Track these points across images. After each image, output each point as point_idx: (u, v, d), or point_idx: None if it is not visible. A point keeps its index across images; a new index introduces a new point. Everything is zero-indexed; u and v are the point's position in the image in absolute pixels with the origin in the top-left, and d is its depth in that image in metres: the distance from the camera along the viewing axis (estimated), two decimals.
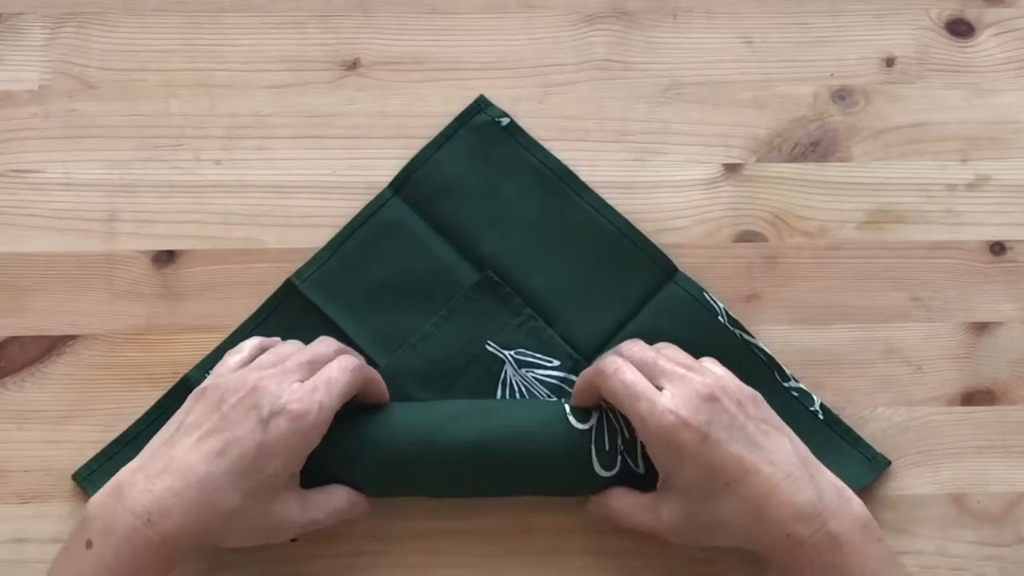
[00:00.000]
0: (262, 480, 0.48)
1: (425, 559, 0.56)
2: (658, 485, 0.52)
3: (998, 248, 0.61)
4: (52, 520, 0.56)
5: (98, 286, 0.59)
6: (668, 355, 0.53)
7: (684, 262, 0.60)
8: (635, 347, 0.53)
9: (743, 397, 0.51)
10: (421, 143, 0.61)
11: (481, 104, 0.61)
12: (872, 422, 0.59)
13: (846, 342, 0.60)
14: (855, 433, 0.58)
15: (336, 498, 0.52)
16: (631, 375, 0.50)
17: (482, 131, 0.61)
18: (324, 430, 0.50)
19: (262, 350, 0.54)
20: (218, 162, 0.61)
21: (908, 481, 0.58)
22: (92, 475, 0.56)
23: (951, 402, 0.59)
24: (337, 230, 0.60)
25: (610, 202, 0.61)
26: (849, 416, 0.58)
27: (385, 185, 0.61)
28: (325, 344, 0.54)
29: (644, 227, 0.60)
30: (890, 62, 0.63)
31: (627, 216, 0.60)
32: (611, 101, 0.62)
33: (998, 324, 0.60)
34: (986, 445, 0.59)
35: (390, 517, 0.56)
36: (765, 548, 0.50)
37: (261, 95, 0.62)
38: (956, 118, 0.63)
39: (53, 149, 0.61)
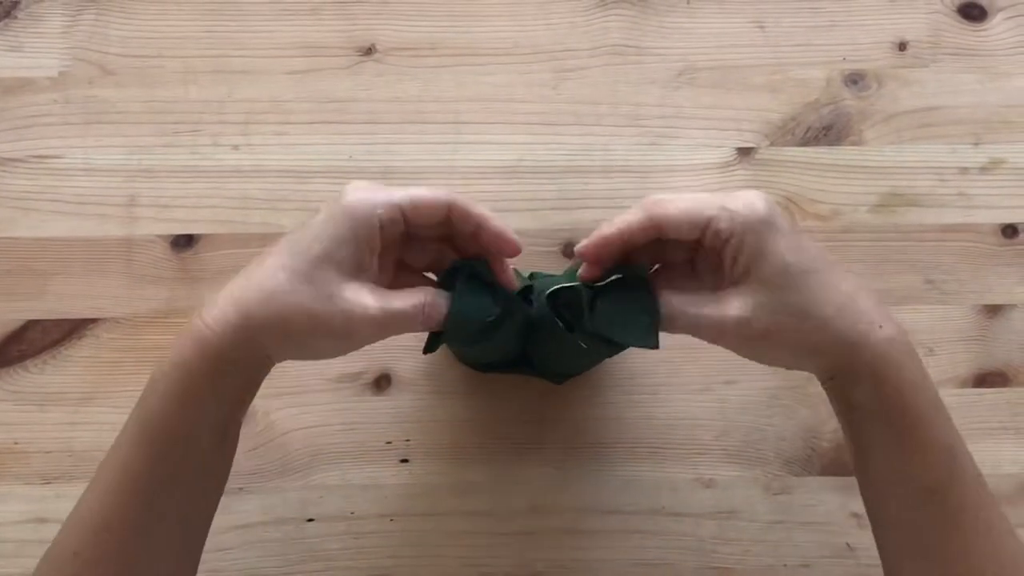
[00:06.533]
0: (311, 261, 0.44)
1: (438, 539, 0.57)
2: (726, 285, 0.46)
3: (1011, 231, 0.61)
4: (73, 501, 0.55)
5: (118, 270, 0.60)
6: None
7: None
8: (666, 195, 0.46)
9: None
10: (437, 128, 0.62)
11: None
12: None
13: None
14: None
15: (420, 291, 0.46)
16: (690, 195, 0.45)
17: None
18: (372, 224, 0.44)
19: None
20: (236, 147, 0.61)
21: None
22: None
23: (963, 384, 0.60)
24: None
25: (624, 186, 0.61)
26: None
27: (401, 169, 0.61)
28: None
29: None
30: (903, 46, 0.64)
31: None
32: (625, 86, 0.63)
33: (1011, 306, 0.60)
34: (998, 427, 0.59)
35: (404, 498, 0.57)
36: (843, 344, 0.44)
37: (278, 81, 0.62)
38: (969, 102, 0.63)
39: (73, 135, 0.61)
